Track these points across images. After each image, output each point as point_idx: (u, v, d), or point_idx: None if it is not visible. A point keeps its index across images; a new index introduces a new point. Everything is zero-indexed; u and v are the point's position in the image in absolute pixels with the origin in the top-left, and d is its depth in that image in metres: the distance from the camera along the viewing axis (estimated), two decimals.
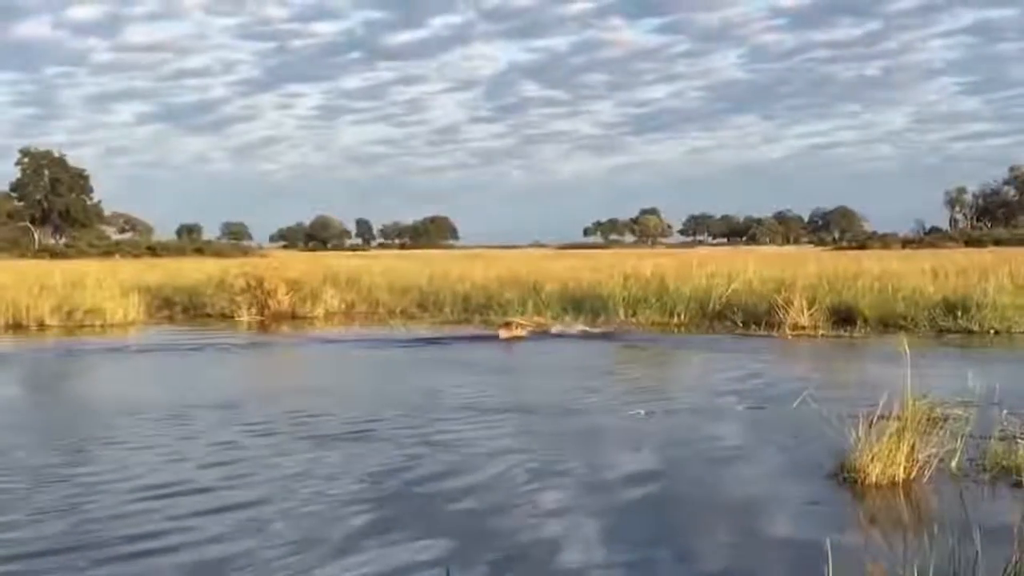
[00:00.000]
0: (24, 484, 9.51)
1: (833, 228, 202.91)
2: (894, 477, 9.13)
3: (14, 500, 8.93)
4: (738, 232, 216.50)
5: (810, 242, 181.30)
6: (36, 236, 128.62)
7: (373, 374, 18.68)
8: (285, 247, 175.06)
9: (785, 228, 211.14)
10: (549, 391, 15.51)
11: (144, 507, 8.67)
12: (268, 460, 10.49)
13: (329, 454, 10.75)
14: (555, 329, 25.75)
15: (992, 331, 24.00)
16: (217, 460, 10.50)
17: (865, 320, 25.32)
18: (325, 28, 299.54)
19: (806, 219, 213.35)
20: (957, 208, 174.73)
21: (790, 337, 24.12)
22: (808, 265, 37.50)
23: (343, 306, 33.40)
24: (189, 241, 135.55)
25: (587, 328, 25.82)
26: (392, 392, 15.64)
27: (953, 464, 9.40)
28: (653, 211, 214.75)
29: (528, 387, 16.31)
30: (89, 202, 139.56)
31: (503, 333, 24.65)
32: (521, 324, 25.55)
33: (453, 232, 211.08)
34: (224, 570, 7.05)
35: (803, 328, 25.09)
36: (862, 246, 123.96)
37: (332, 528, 8.00)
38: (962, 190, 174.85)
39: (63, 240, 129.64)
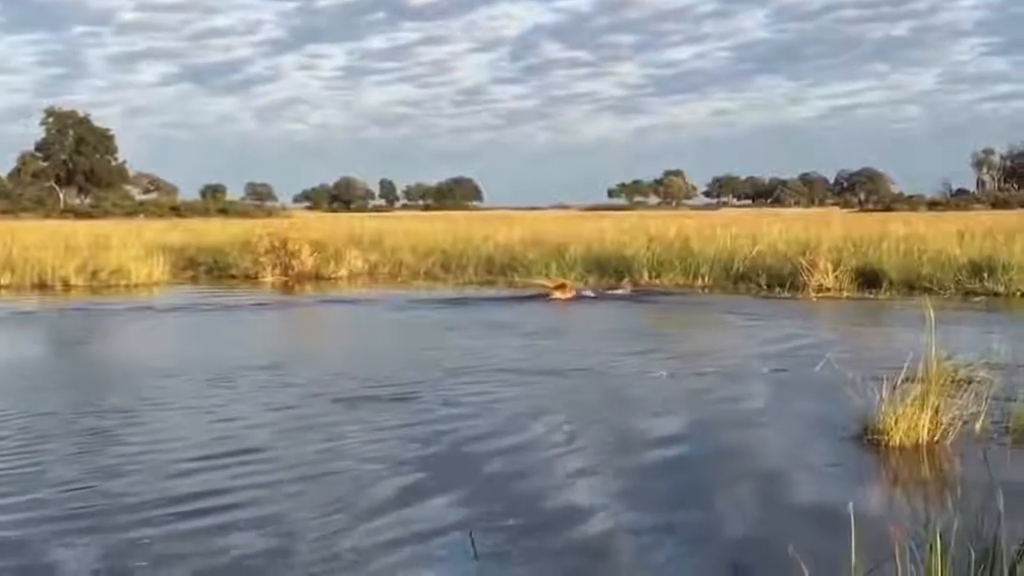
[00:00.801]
0: (71, 447, 9.61)
1: (859, 190, 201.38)
2: (917, 439, 9.14)
3: (60, 462, 9.05)
4: (763, 194, 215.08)
5: (836, 204, 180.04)
6: (61, 196, 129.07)
7: (413, 335, 18.77)
8: (309, 208, 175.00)
9: (810, 190, 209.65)
10: (578, 353, 15.56)
11: (192, 467, 8.74)
12: (308, 421, 10.57)
13: (370, 416, 10.81)
14: (589, 291, 25.78)
15: (1019, 293, 23.87)
16: (259, 422, 10.56)
17: (890, 282, 25.23)
18: None
19: (832, 181, 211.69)
20: (984, 170, 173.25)
21: (815, 299, 24.08)
22: (833, 227, 37.31)
23: (367, 267, 33.49)
24: (213, 202, 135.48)
25: (621, 290, 25.88)
26: (431, 355, 15.70)
27: (977, 426, 9.39)
28: (677, 173, 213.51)
29: (557, 349, 16.35)
30: (114, 162, 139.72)
31: (558, 294, 24.82)
32: (568, 285, 25.65)
33: (477, 193, 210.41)
34: (262, 527, 7.13)
35: (828, 290, 25.05)
36: (888, 208, 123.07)
37: (366, 491, 8.06)
38: (989, 152, 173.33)
39: (88, 200, 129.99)
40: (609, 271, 29.04)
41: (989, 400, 9.67)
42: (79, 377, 14.10)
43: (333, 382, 12.82)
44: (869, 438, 9.26)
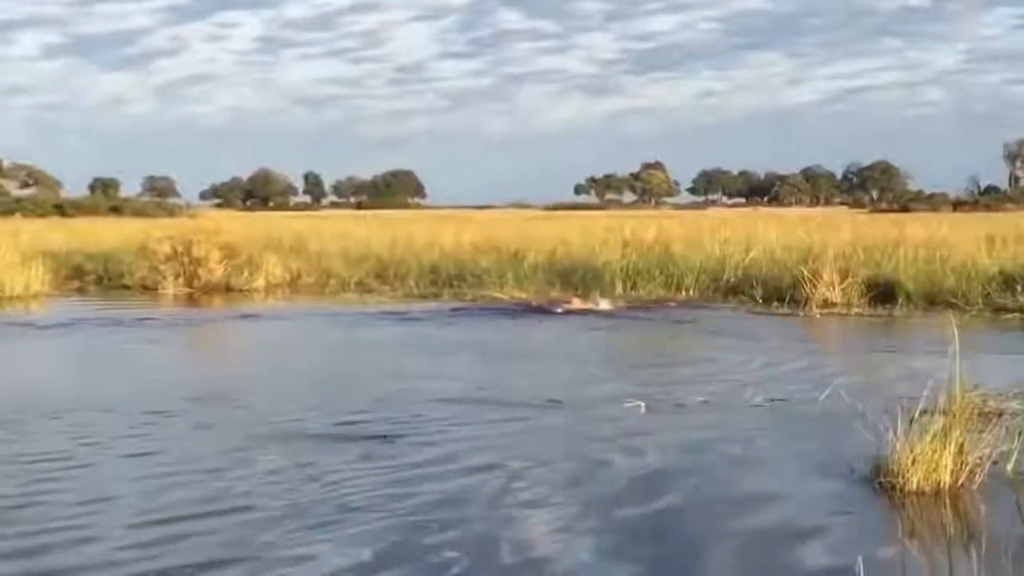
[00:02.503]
0: None
1: (871, 187, 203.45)
2: (939, 483, 9.17)
3: None
4: (758, 191, 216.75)
5: (843, 203, 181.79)
6: None
7: (354, 356, 18.74)
8: (219, 206, 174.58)
9: (814, 187, 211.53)
10: (541, 378, 15.55)
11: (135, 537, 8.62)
12: (266, 465, 10.47)
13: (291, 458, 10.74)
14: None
15: None
16: (208, 467, 10.46)
17: (907, 296, 25.40)
18: None
19: (839, 176, 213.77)
20: (1018, 163, 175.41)
21: (818, 315, 24.20)
22: (841, 231, 37.60)
23: (287, 277, 33.38)
24: (104, 198, 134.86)
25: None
26: (369, 382, 15.66)
27: (1008, 467, 9.44)
28: (657, 165, 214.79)
29: (520, 374, 16.33)
30: None
31: (577, 304, 25.66)
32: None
33: (419, 190, 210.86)
34: None
35: (834, 305, 25.19)
36: (905, 208, 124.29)
37: (287, 536, 8.00)
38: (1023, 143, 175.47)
39: None
40: (575, 282, 29.07)
41: (1023, 437, 9.72)
42: None
43: (283, 418, 12.64)
44: (882, 481, 9.28)
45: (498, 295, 27.54)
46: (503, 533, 8.25)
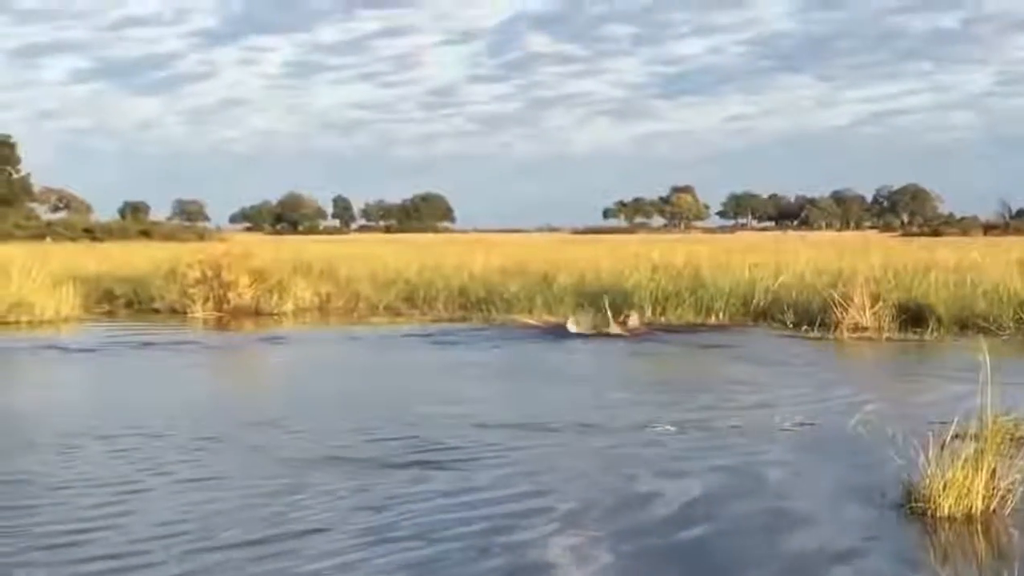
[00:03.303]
0: None
1: (901, 210, 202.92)
2: (970, 509, 9.14)
3: None
4: (788, 215, 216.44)
5: (874, 227, 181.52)
6: None
7: (389, 375, 18.79)
8: (249, 230, 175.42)
9: (844, 210, 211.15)
10: (576, 402, 15.58)
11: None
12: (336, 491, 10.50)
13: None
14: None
15: None
16: (191, 499, 10.50)
17: (938, 320, 25.31)
18: None
19: (869, 199, 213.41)
20: None
21: (849, 339, 24.14)
22: (871, 254, 37.46)
23: (316, 300, 33.49)
24: (134, 222, 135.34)
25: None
26: (412, 405, 15.71)
27: None
28: (687, 189, 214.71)
29: (552, 397, 16.36)
30: (15, 175, 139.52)
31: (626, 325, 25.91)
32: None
33: (448, 213, 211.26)
34: None
35: (864, 329, 25.13)
36: (936, 232, 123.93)
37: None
38: None
39: None
40: (604, 305, 29.04)
41: None
42: None
43: (334, 442, 12.65)
44: (913, 506, 9.26)
45: (527, 319, 27.54)
46: (548, 558, 8.29)
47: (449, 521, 9.22)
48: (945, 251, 39.55)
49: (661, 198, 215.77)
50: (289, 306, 32.59)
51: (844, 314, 25.57)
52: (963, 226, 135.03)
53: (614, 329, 25.55)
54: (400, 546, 8.54)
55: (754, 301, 28.72)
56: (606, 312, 26.26)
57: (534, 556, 8.33)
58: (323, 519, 9.31)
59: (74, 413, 15.05)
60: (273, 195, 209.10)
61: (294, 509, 9.63)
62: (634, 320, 26.39)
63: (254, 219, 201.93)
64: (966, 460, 9.16)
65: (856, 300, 25.75)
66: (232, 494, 10.21)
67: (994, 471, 9.20)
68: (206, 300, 32.20)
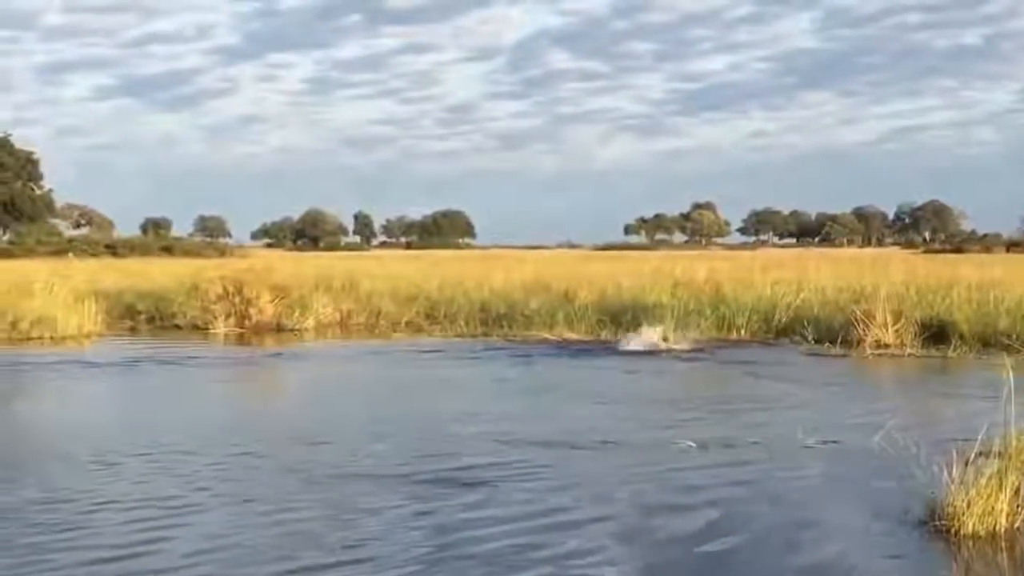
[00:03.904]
0: None
1: (923, 227, 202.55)
2: (995, 526, 9.11)
3: None
4: (809, 231, 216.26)
5: (896, 243, 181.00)
6: None
7: (414, 392, 18.84)
8: (270, 246, 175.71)
9: (866, 227, 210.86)
10: (590, 419, 15.58)
11: None
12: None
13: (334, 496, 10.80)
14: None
15: None
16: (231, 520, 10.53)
17: (961, 337, 25.21)
18: None
19: (891, 216, 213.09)
20: None
21: (871, 356, 24.07)
22: (893, 271, 37.40)
23: (338, 316, 33.55)
24: (156, 238, 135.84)
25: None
26: (450, 424, 15.73)
27: None
28: (708, 205, 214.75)
29: (577, 414, 16.38)
30: (38, 191, 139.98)
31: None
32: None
33: (469, 229, 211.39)
34: None
35: (887, 346, 25.06)
36: (958, 249, 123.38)
37: None
38: None
39: (7, 236, 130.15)
40: (625, 322, 29.05)
41: None
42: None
43: (373, 461, 12.68)
44: (936, 524, 9.23)
45: (547, 335, 27.59)
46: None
47: (527, 545, 9.24)
48: (967, 268, 39.44)
49: (682, 214, 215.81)
50: (310, 322, 32.64)
51: (866, 331, 25.50)
52: (985, 243, 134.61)
53: (662, 345, 25.64)
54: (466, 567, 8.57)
55: (775, 317, 28.67)
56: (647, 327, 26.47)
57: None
58: (375, 535, 9.35)
59: (114, 428, 15.13)
60: (294, 211, 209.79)
61: (341, 527, 9.65)
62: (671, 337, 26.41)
63: (275, 235, 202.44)
64: (990, 478, 9.14)
65: (878, 317, 25.68)
66: (274, 512, 10.19)
67: (1018, 489, 9.17)
68: (228, 316, 32.27)
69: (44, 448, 13.68)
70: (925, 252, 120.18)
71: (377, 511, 10.15)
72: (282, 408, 18.84)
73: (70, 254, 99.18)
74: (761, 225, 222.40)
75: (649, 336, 26.35)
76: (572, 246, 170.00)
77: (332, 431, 14.75)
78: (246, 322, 32.09)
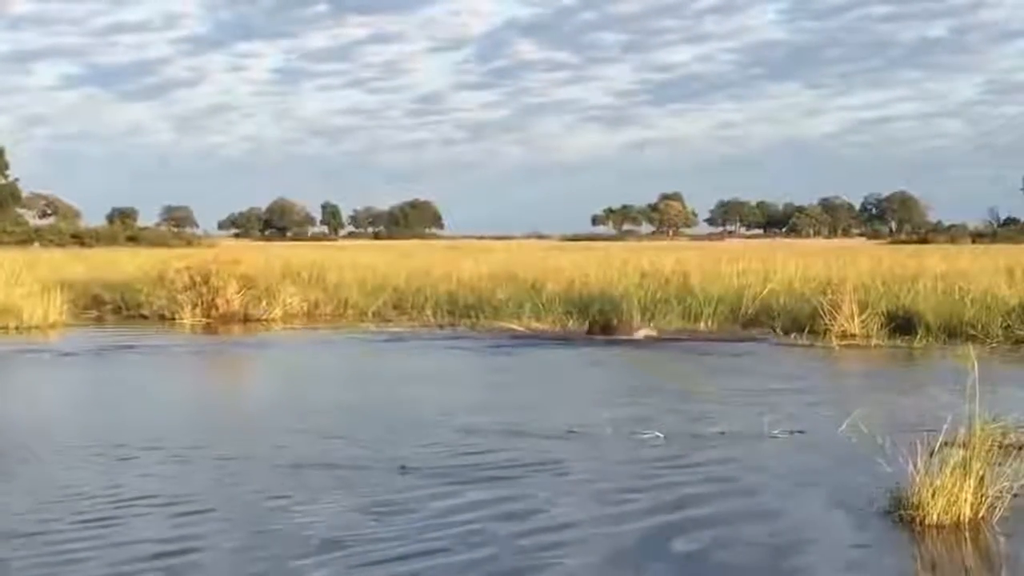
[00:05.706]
0: None
1: (890, 218, 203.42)
2: (959, 516, 9.14)
3: None
4: (776, 222, 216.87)
5: (862, 234, 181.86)
6: None
7: (375, 381, 18.78)
8: (237, 236, 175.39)
9: (832, 218, 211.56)
10: (555, 409, 15.56)
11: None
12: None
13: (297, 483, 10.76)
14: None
15: None
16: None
17: (927, 328, 25.30)
18: None
19: (858, 207, 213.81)
20: None
21: (837, 347, 24.12)
22: (860, 262, 37.58)
23: (305, 307, 33.45)
24: (122, 228, 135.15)
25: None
26: (441, 415, 15.70)
27: None
28: (675, 196, 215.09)
29: (533, 404, 16.35)
30: (3, 181, 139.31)
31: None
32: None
33: (437, 220, 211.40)
34: None
35: (853, 336, 25.13)
36: (924, 240, 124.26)
37: None
38: None
39: None
40: (592, 313, 29.04)
41: None
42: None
43: (375, 453, 12.54)
44: (901, 514, 9.25)
45: (514, 326, 27.61)
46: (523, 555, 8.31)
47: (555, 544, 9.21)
48: (933, 259, 39.61)
49: (650, 205, 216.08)
50: (277, 312, 32.53)
51: (833, 322, 25.59)
52: (951, 234, 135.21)
53: (629, 336, 25.79)
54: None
55: (743, 308, 28.71)
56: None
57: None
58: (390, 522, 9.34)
59: (84, 424, 15.03)
60: (261, 201, 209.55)
61: (387, 527, 9.43)
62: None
63: (242, 225, 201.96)
64: (954, 467, 9.17)
65: (845, 308, 25.77)
66: (301, 508, 10.11)
67: (982, 478, 9.20)
68: (194, 306, 32.14)
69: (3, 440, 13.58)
70: (891, 243, 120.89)
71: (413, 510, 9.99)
72: (245, 398, 18.73)
73: (36, 244, 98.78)
74: (728, 216, 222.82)
75: (615, 327, 26.40)
76: (540, 236, 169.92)
77: (341, 423, 14.53)
78: (213, 312, 31.97)
